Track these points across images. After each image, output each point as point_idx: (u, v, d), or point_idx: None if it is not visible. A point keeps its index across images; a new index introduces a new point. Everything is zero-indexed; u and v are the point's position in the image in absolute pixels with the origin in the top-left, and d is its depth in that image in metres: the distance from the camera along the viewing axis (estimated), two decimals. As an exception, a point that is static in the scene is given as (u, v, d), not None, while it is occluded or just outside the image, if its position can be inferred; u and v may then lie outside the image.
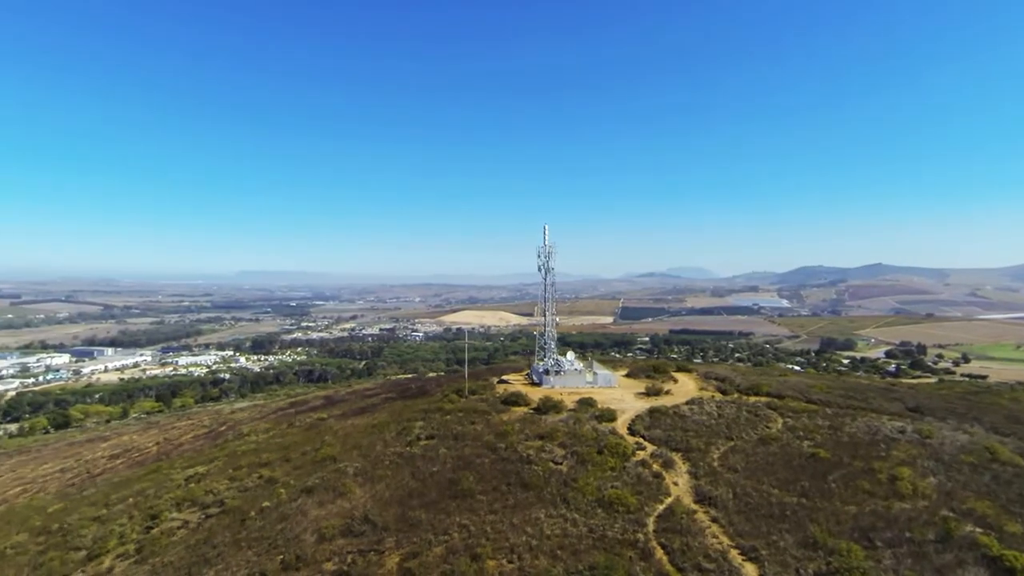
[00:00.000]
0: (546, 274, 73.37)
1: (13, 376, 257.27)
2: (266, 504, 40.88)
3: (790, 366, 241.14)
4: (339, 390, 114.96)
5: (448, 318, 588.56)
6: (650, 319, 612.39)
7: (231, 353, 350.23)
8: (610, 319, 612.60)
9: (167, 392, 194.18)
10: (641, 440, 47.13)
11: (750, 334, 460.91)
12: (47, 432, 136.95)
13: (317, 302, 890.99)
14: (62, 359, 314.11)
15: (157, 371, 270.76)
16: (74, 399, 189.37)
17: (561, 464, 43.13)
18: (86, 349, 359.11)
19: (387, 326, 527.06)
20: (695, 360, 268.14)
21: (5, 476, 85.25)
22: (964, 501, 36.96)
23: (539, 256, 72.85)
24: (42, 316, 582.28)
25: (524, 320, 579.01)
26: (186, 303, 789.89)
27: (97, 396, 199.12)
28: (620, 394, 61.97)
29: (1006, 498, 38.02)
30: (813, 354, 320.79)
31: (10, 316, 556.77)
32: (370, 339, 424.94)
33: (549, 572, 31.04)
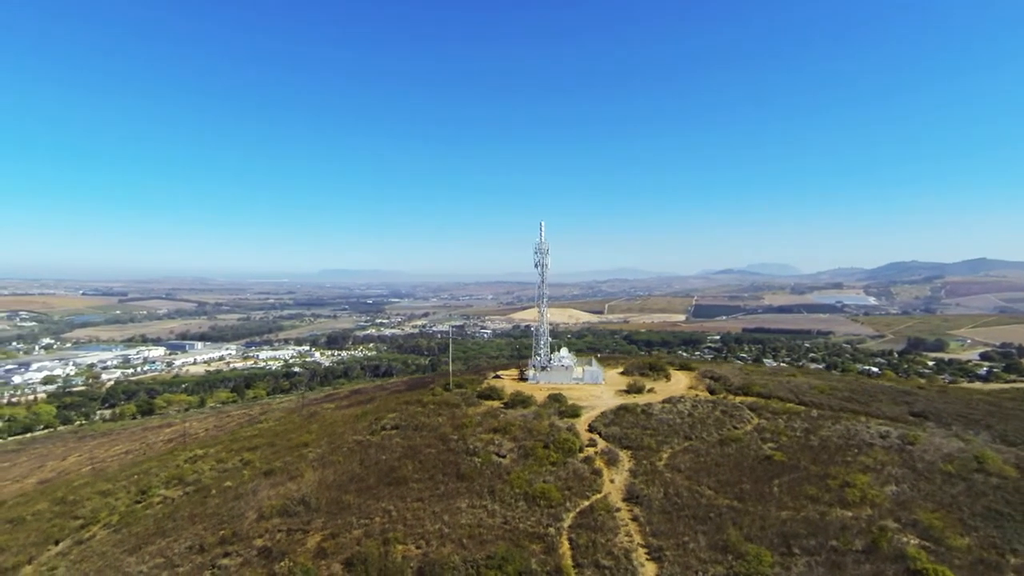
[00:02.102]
0: (542, 271, 73.38)
1: (116, 367, 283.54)
2: (228, 484, 44.26)
3: (867, 368, 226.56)
4: (367, 385, 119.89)
5: (517, 315, 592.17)
6: (724, 317, 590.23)
7: (307, 348, 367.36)
8: (682, 317, 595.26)
9: (242, 384, 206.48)
10: (596, 437, 46.81)
11: (829, 333, 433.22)
12: (133, 418, 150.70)
13: (392, 299, 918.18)
14: (158, 352, 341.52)
15: (239, 364, 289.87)
16: (162, 389, 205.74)
17: (504, 457, 43.77)
18: (179, 343, 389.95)
19: (457, 323, 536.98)
20: (765, 360, 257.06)
21: (83, 456, 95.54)
22: (915, 512, 34.47)
23: (535, 253, 72.97)
24: (144, 312, 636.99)
25: (594, 317, 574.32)
26: (271, 300, 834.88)
27: (182, 386, 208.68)
28: (601, 391, 61.35)
29: (969, 511, 35.05)
30: (896, 355, 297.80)
31: (118, 312, 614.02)
32: (439, 336, 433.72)
33: (449, 559, 32.01)
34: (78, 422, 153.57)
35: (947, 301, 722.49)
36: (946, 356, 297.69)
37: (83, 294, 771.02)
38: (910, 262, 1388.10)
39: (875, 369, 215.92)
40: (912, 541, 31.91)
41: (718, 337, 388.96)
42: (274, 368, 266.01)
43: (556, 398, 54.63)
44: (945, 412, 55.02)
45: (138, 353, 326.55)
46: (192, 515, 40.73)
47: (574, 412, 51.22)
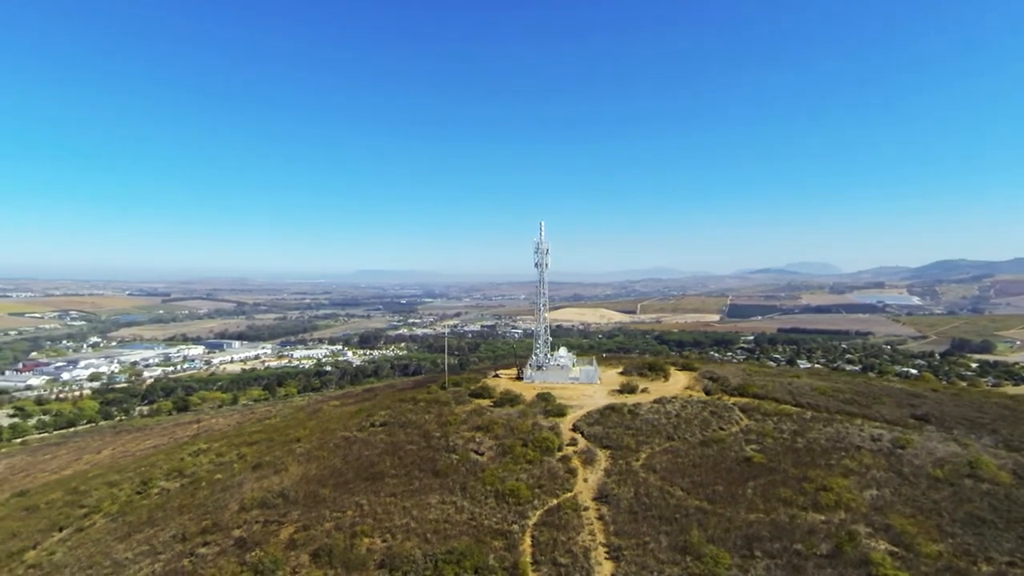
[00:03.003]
0: (541, 271, 73.40)
1: (157, 365, 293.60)
2: (219, 477, 45.96)
3: (905, 369, 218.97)
4: (378, 384, 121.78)
5: (549, 315, 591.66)
6: (759, 317, 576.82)
7: (340, 347, 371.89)
8: (716, 317, 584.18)
9: (274, 382, 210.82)
10: (578, 436, 46.77)
11: (868, 334, 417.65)
12: (169, 414, 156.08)
13: (426, 300, 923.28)
14: (197, 350, 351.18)
15: (274, 363, 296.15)
16: (199, 386, 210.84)
17: (483, 455, 44.21)
18: (217, 342, 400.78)
19: (488, 323, 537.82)
20: (799, 361, 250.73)
21: (116, 449, 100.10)
22: (890, 517, 33.52)
23: (535, 253, 73.04)
24: (186, 312, 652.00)
25: (626, 317, 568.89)
26: (307, 300, 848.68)
27: (218, 384, 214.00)
28: (594, 390, 61.09)
29: (950, 517, 33.90)
30: (937, 356, 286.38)
31: (161, 312, 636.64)
32: (470, 335, 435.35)
33: (411, 553, 32.66)
34: (118, 417, 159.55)
35: (996, 301, 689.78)
36: (992, 358, 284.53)
37: (129, 294, 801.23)
38: (958, 260, 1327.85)
39: (913, 371, 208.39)
40: (881, 546, 31.09)
41: (751, 338, 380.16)
42: (306, 367, 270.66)
43: (544, 397, 54.73)
44: (950, 416, 52.94)
45: (178, 352, 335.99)
46: (181, 506, 42.47)
47: (560, 411, 51.27)
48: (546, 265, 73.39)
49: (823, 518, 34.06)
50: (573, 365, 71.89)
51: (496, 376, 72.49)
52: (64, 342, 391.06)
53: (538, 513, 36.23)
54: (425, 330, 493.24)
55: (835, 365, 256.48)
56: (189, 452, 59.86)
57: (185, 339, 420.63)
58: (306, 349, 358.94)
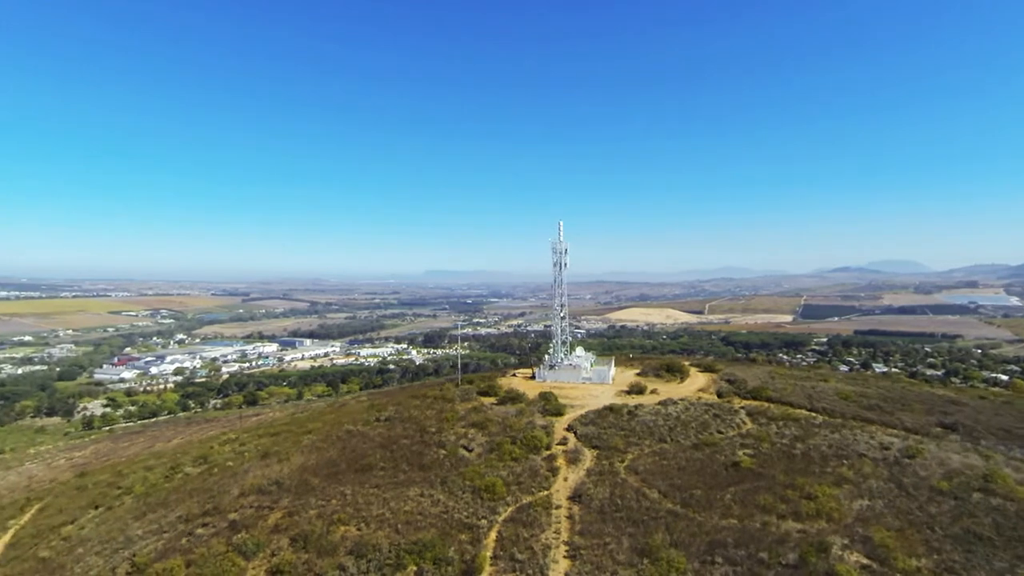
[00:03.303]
0: (560, 271, 73.21)
1: (234, 361, 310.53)
2: (230, 464, 49.16)
3: (995, 375, 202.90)
4: (440, 380, 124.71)
5: (614, 315, 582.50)
6: (836, 318, 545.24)
7: (405, 346, 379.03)
8: (789, 317, 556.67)
9: (337, 379, 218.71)
10: (570, 436, 46.71)
11: (957, 337, 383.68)
12: (240, 407, 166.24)
13: (492, 299, 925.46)
14: (271, 348, 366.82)
15: (341, 360, 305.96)
16: (269, 382, 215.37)
17: (472, 451, 45.05)
18: (290, 340, 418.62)
19: (552, 323, 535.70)
20: (874, 365, 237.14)
21: (185, 439, 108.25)
22: (872, 529, 31.71)
23: (553, 253, 72.95)
24: (263, 311, 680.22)
25: (693, 318, 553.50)
26: (377, 300, 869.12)
27: (286, 380, 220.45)
28: (602, 391, 60.47)
29: (943, 531, 31.74)
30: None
31: (241, 311, 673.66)
32: (532, 335, 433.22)
33: (379, 542, 34.02)
34: (194, 410, 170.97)
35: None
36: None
37: (213, 294, 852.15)
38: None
39: (1003, 377, 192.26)
40: (853, 559, 29.57)
41: (824, 340, 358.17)
42: (371, 365, 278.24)
43: (546, 396, 54.82)
44: (985, 426, 48.89)
45: (254, 348, 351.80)
46: (192, 490, 45.84)
47: (558, 411, 51.32)
48: (564, 265, 73.18)
49: (800, 527, 32.67)
50: (592, 365, 71.30)
51: (512, 375, 73.11)
52: (154, 338, 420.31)
53: (509, 510, 36.68)
54: (489, 329, 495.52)
55: (914, 370, 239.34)
56: (220, 441, 64.18)
57: (261, 337, 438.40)
58: (372, 347, 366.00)
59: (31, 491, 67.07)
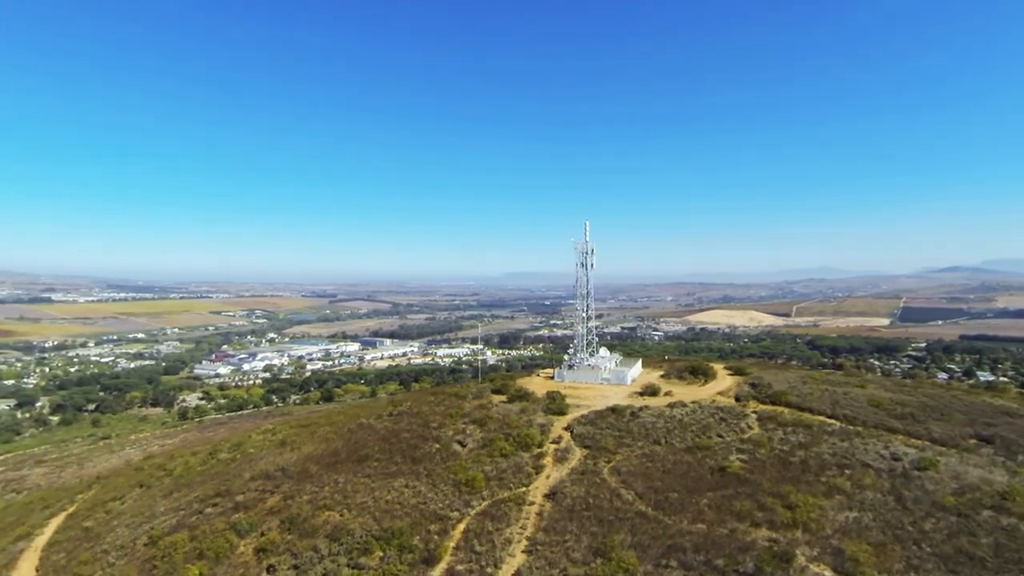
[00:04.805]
0: (586, 272, 72.60)
1: (318, 359, 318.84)
2: (251, 451, 53.03)
3: None
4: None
5: (694, 317, 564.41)
6: (939, 322, 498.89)
7: (480, 347, 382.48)
8: (886, 321, 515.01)
9: (410, 378, 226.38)
10: (566, 435, 46.61)
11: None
12: (317, 403, 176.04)
13: (570, 301, 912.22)
14: (352, 347, 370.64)
15: (418, 360, 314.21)
16: (347, 379, 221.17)
17: (465, 446, 46.13)
18: (371, 339, 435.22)
19: (629, 325, 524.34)
20: (979, 374, 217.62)
21: (260, 428, 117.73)
22: (849, 542, 29.82)
23: (579, 253, 72.43)
24: (348, 312, 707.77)
25: (778, 321, 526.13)
26: (456, 302, 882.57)
27: (363, 378, 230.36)
28: (615, 391, 59.49)
29: (931, 549, 29.38)
30: None
31: (327, 312, 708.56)
32: (608, 337, 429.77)
33: (353, 528, 35.92)
34: (276, 403, 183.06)
35: None
36: None
37: (302, 296, 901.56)
38: None
39: None
40: (816, 570, 28.03)
41: (923, 345, 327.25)
42: (445, 365, 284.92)
43: (552, 396, 54.80)
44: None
45: (337, 348, 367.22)
46: (215, 473, 49.97)
47: (560, 410, 51.31)
48: (591, 265, 72.61)
49: (772, 536, 31.24)
50: (617, 365, 70.29)
51: (537, 375, 73.47)
52: (248, 337, 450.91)
53: (484, 504, 37.45)
54: (564, 331, 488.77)
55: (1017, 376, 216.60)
56: (259, 431, 69.10)
57: (344, 336, 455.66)
58: (449, 348, 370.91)
59: (114, 472, 75.02)
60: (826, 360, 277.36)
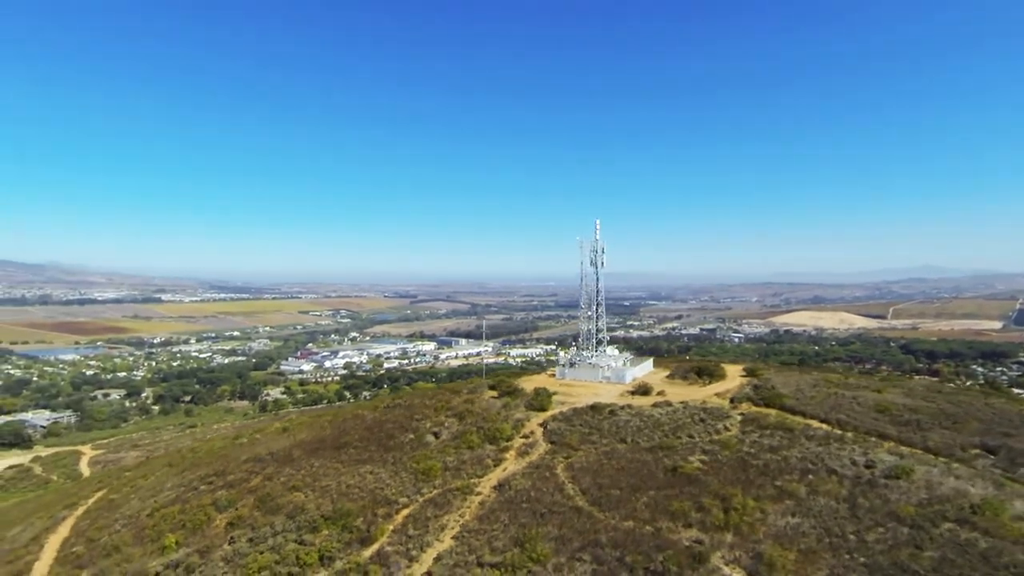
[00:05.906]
0: (597, 271, 71.90)
1: (395, 358, 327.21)
2: (257, 436, 57.09)
3: None
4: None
5: (779, 319, 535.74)
6: None
7: (554, 347, 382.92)
8: (997, 324, 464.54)
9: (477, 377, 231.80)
10: (539, 430, 46.89)
11: None
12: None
13: (650, 302, 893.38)
14: (428, 346, 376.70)
15: (491, 360, 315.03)
16: (418, 377, 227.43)
17: (439, 436, 47.59)
18: (447, 339, 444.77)
19: (709, 326, 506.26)
20: None
21: (283, 419, 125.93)
22: (773, 546, 28.61)
23: (589, 252, 71.83)
24: (428, 312, 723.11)
25: (872, 323, 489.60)
26: (534, 302, 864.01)
27: (435, 377, 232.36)
28: (609, 390, 58.61)
29: (864, 560, 27.84)
30: None
31: (408, 312, 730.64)
32: (685, 339, 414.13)
33: (310, 507, 38.31)
34: (349, 399, 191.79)
35: None
36: None
37: (385, 296, 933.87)
38: None
39: None
40: (728, 572, 27.16)
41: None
42: (516, 364, 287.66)
43: (539, 392, 54.92)
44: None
45: (414, 347, 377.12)
46: (221, 456, 54.35)
47: (542, 406, 51.52)
48: (601, 264, 71.95)
49: (698, 536, 30.48)
50: (623, 364, 69.12)
51: (544, 373, 73.67)
52: (332, 336, 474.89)
53: (434, 492, 38.70)
54: (641, 332, 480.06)
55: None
56: (281, 421, 74.03)
57: (422, 336, 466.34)
58: (523, 348, 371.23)
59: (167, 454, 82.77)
60: (920, 365, 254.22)
